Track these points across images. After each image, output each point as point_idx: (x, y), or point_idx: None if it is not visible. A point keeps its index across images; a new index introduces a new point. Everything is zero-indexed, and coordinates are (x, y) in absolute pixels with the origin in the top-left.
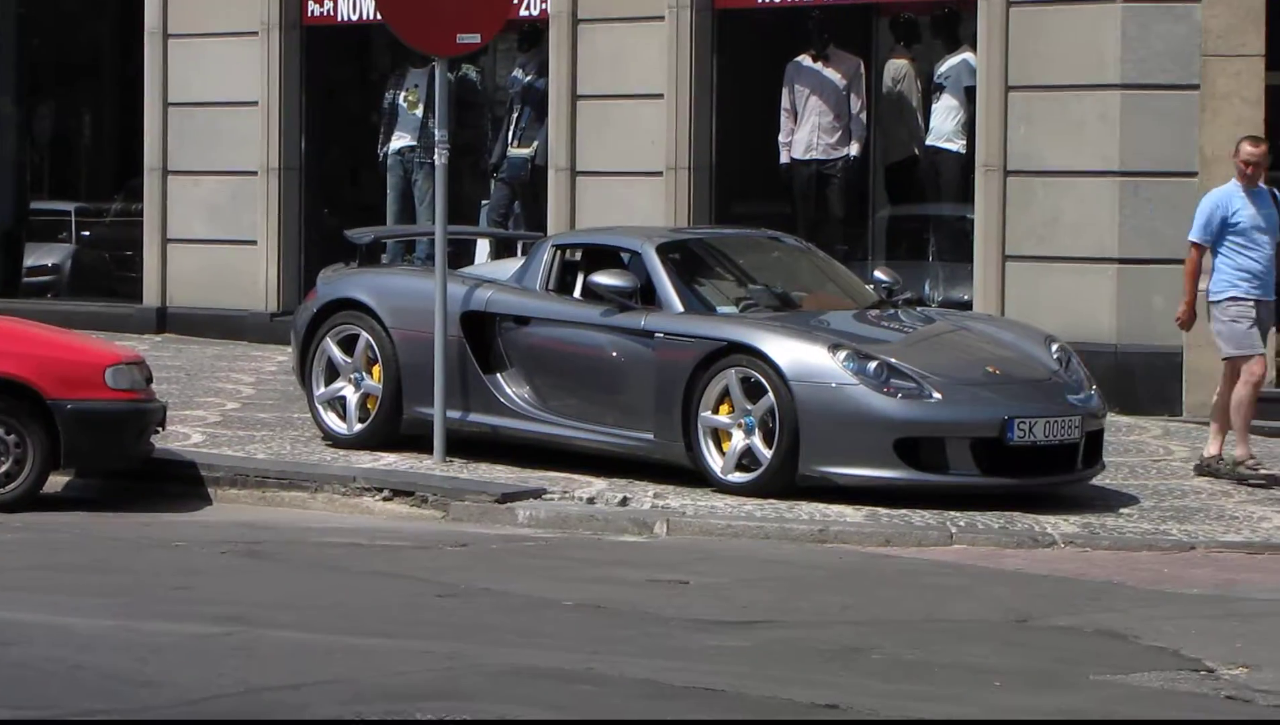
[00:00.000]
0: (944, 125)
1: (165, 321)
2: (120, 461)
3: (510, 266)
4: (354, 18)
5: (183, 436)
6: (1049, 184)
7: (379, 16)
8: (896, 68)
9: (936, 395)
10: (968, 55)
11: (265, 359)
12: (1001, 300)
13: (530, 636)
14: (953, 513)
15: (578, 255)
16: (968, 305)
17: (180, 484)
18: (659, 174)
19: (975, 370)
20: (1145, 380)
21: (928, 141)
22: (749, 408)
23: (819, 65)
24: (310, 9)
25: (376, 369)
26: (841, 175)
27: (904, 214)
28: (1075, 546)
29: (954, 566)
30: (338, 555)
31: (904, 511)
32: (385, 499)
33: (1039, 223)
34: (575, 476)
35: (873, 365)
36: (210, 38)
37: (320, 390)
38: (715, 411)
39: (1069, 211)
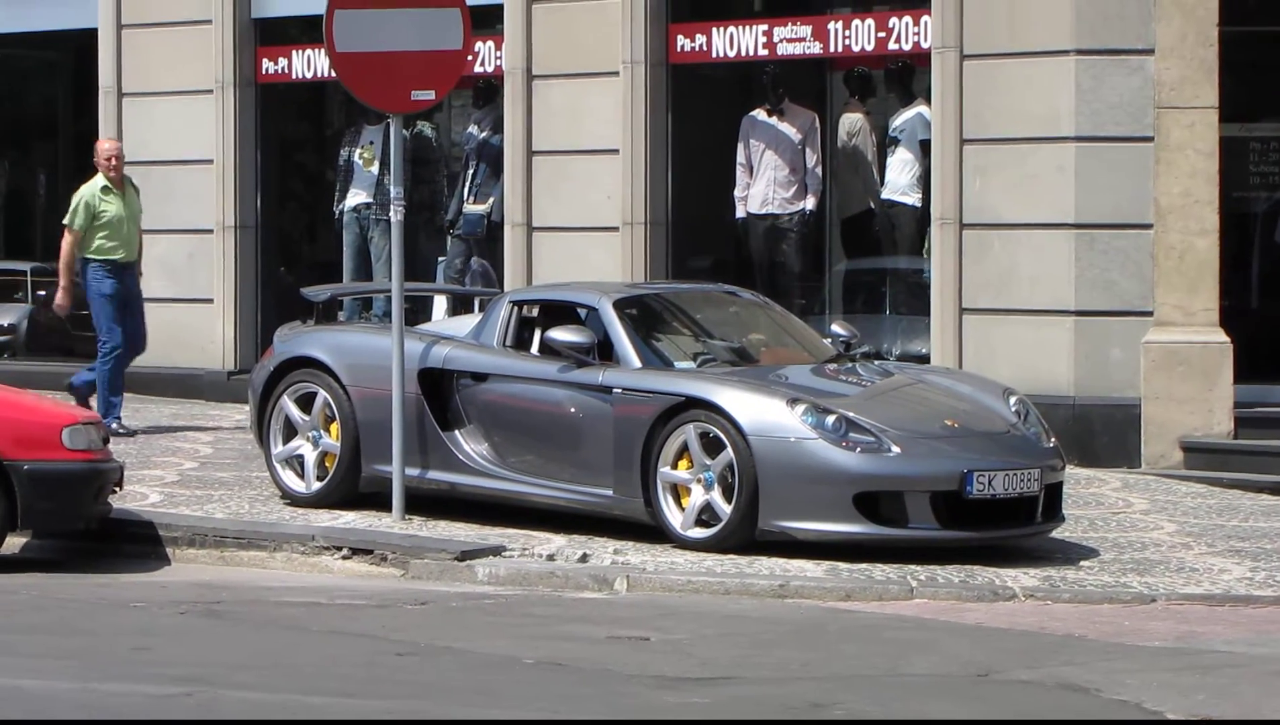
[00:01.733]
0: (899, 179)
1: None
2: (78, 522)
3: (468, 323)
4: (309, 75)
5: (140, 496)
6: (1005, 237)
7: (334, 74)
8: (851, 121)
9: (895, 449)
10: (922, 109)
11: (222, 418)
12: (959, 353)
13: (491, 695)
14: (913, 566)
15: (535, 311)
16: (925, 358)
17: (138, 544)
18: (615, 229)
19: (934, 423)
20: (1103, 432)
21: (883, 195)
22: (708, 463)
23: (774, 120)
24: (265, 67)
25: (334, 427)
26: (798, 229)
27: (860, 267)
28: (1036, 600)
29: (915, 621)
30: (297, 615)
31: (864, 566)
32: (344, 558)
33: (995, 275)
34: (535, 533)
35: (831, 419)
36: (165, 96)
37: (278, 449)
38: (674, 467)
39: (1025, 264)
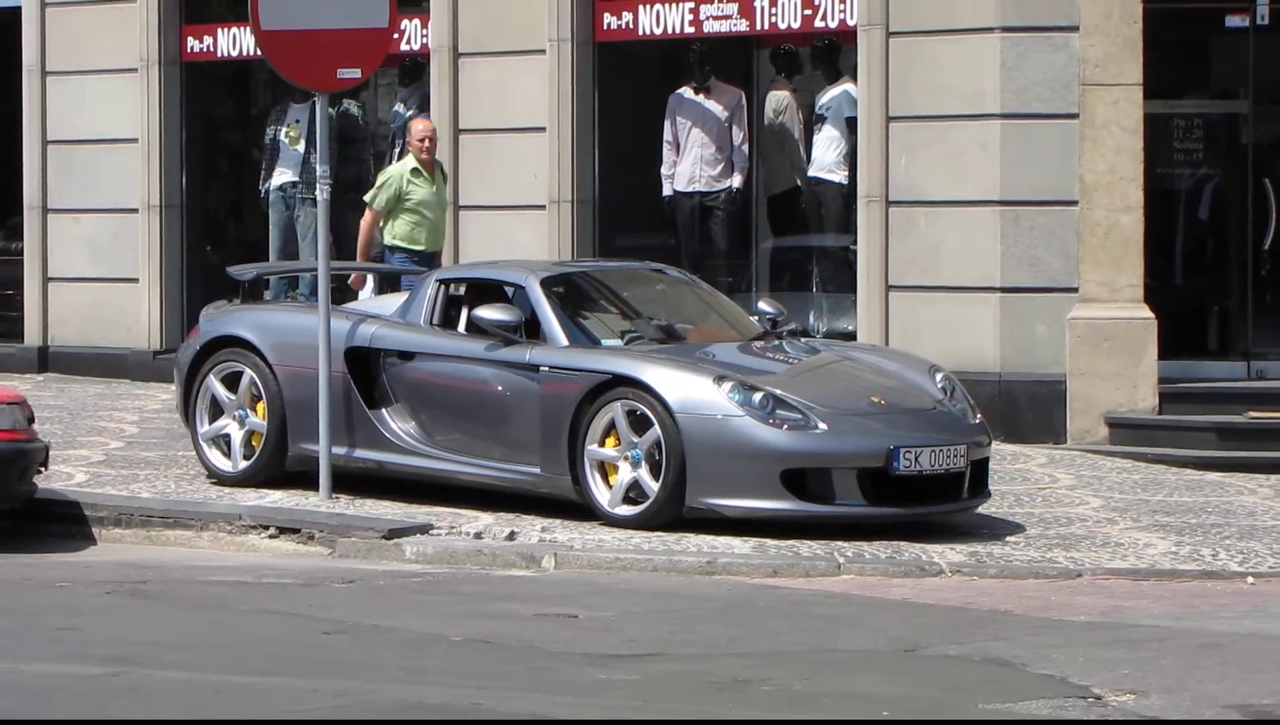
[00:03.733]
0: (826, 156)
1: (47, 361)
2: (3, 502)
3: (394, 301)
4: (234, 53)
5: (66, 476)
6: (931, 214)
7: (259, 52)
8: (778, 99)
9: (822, 426)
10: (849, 86)
11: (148, 397)
12: (885, 330)
13: (418, 673)
14: (840, 543)
15: (461, 290)
16: (852, 335)
17: (64, 524)
18: (542, 207)
19: (860, 400)
20: (1029, 408)
21: (810, 173)
22: (635, 440)
23: (700, 97)
24: (190, 45)
25: (261, 406)
26: (724, 207)
27: (787, 245)
28: (963, 575)
29: (842, 597)
30: (224, 594)
31: (791, 542)
32: (271, 537)
33: (921, 252)
34: (462, 511)
35: (758, 396)
36: (89, 75)
37: (204, 428)
38: (601, 445)
39: (951, 241)
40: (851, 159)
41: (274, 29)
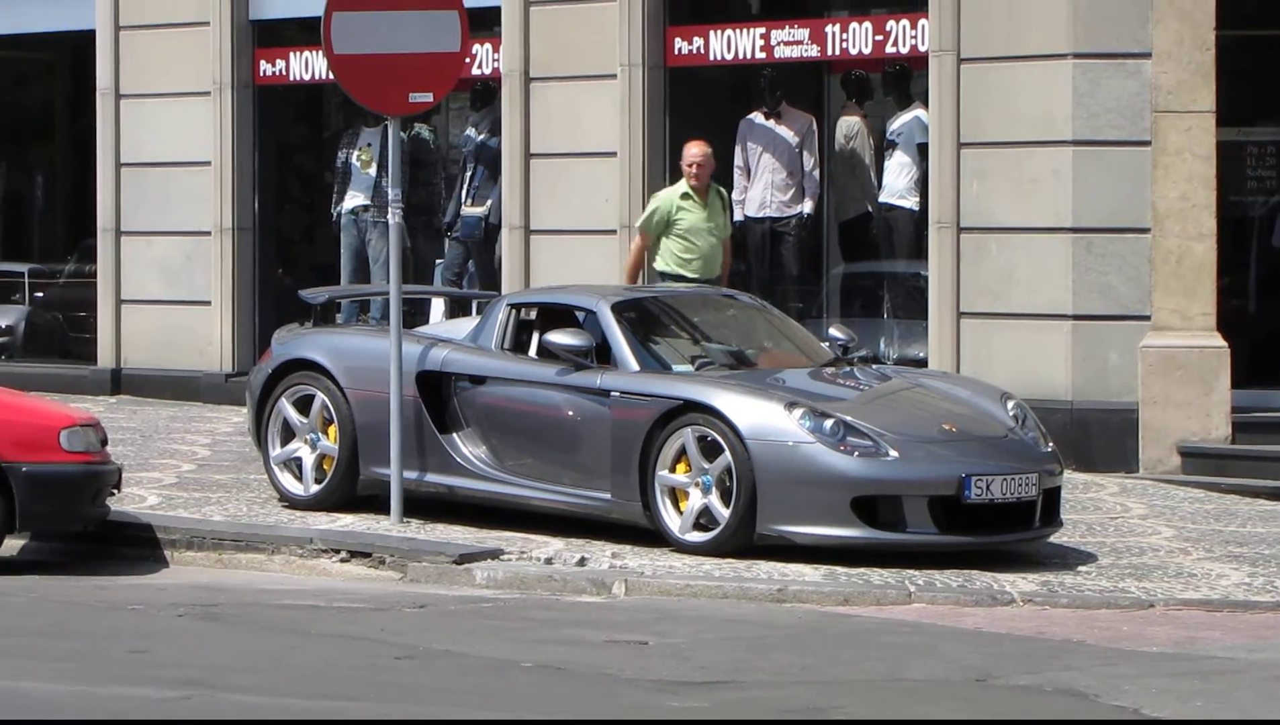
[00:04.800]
0: (897, 182)
1: (120, 383)
2: (76, 524)
3: (465, 326)
4: (306, 77)
5: (138, 499)
6: (1002, 240)
7: (332, 76)
8: (849, 125)
9: (893, 453)
10: (920, 112)
11: (220, 420)
12: (956, 357)
13: (489, 698)
14: (911, 571)
15: (533, 314)
16: (923, 362)
17: (136, 547)
18: (613, 232)
19: (931, 428)
20: (1101, 437)
21: (881, 198)
22: (706, 466)
23: (771, 123)
24: (263, 68)
25: (332, 429)
26: (795, 233)
27: (858, 271)
28: (1034, 604)
29: (913, 625)
30: (295, 617)
31: (862, 570)
32: (342, 560)
33: (993, 279)
34: (532, 537)
35: (829, 423)
36: (163, 98)
37: (276, 451)
38: (672, 470)
39: (1022, 268)
40: (923, 185)
41: (347, 53)
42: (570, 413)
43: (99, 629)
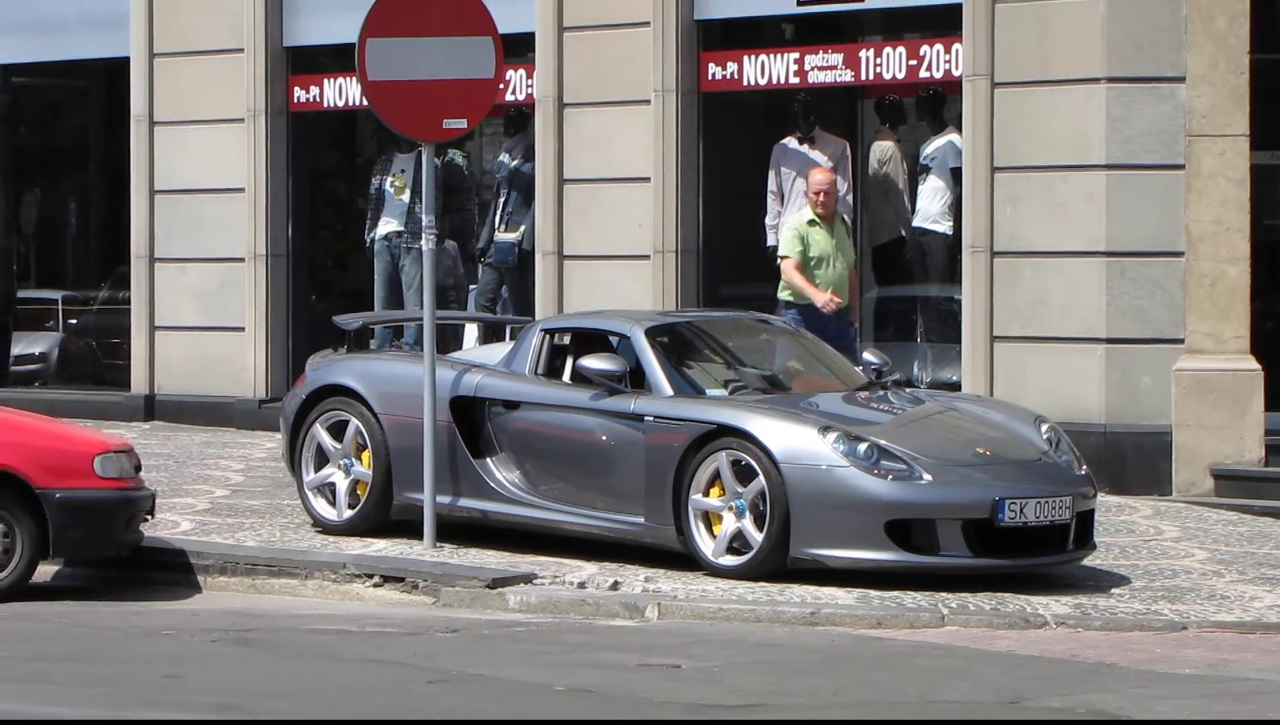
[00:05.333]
0: (930, 206)
1: (153, 409)
2: (109, 550)
3: (499, 351)
4: (340, 104)
5: (172, 524)
6: (1036, 264)
7: (365, 103)
8: (882, 149)
9: (927, 477)
10: (953, 136)
11: (254, 446)
12: (990, 381)
13: (522, 722)
14: (944, 594)
15: (566, 339)
16: (956, 386)
17: (169, 572)
18: (646, 257)
19: (965, 451)
20: (1134, 460)
21: (914, 223)
22: (740, 490)
23: (805, 147)
24: (296, 95)
25: (366, 455)
26: None
27: (892, 295)
28: (1067, 627)
29: (946, 648)
30: (328, 642)
31: (896, 593)
32: (376, 585)
33: (1026, 303)
34: (566, 561)
35: (863, 447)
36: (196, 124)
37: (310, 476)
38: (706, 494)
39: (1056, 292)
40: (956, 209)
41: (381, 80)
42: (604, 437)
43: (132, 654)
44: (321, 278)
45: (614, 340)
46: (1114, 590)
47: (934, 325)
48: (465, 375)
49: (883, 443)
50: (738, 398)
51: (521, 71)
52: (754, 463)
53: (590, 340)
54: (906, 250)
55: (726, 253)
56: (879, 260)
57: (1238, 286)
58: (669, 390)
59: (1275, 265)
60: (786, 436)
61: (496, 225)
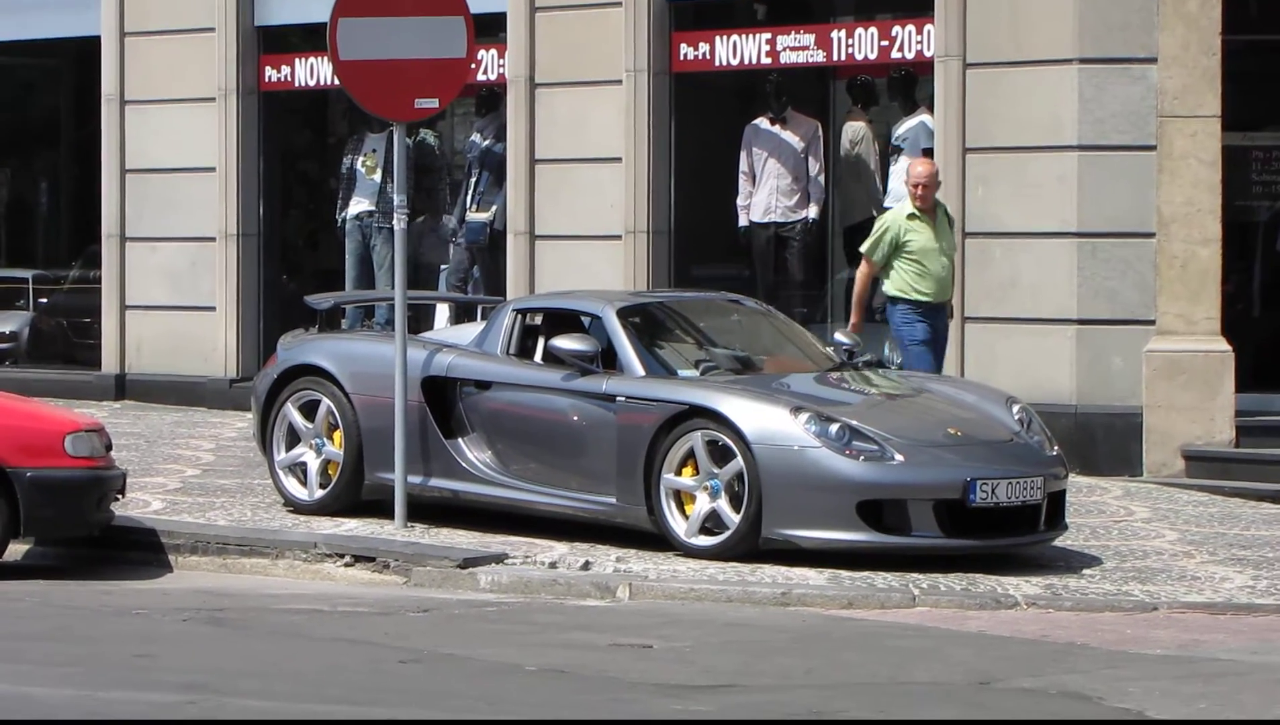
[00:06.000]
0: (902, 187)
1: (124, 388)
2: (80, 529)
3: (470, 331)
4: (311, 83)
5: (143, 503)
6: (1007, 245)
7: (337, 82)
8: (854, 130)
9: (899, 457)
10: (925, 117)
11: (225, 425)
12: (961, 362)
13: (493, 702)
14: (915, 574)
15: (538, 319)
16: None
17: (141, 551)
18: (618, 237)
19: (937, 432)
20: (1105, 441)
21: (886, 203)
22: (715, 471)
23: (777, 128)
24: (268, 75)
25: (337, 434)
26: (800, 238)
27: None
28: (1038, 608)
29: (917, 628)
30: (299, 622)
31: (867, 573)
32: (347, 565)
33: (997, 284)
34: (537, 541)
35: (835, 428)
36: (167, 104)
37: (281, 456)
38: (678, 474)
39: (1027, 273)
40: None
41: (353, 59)
42: (575, 417)
43: (103, 634)
44: (293, 257)
45: (586, 320)
46: (1085, 571)
47: None
48: (437, 355)
49: (854, 423)
50: (709, 378)
51: (493, 51)
52: (731, 444)
53: (562, 320)
54: None
55: (698, 233)
56: (850, 241)
57: (1209, 268)
58: (641, 370)
59: (1246, 247)
60: (758, 417)
61: (468, 205)
